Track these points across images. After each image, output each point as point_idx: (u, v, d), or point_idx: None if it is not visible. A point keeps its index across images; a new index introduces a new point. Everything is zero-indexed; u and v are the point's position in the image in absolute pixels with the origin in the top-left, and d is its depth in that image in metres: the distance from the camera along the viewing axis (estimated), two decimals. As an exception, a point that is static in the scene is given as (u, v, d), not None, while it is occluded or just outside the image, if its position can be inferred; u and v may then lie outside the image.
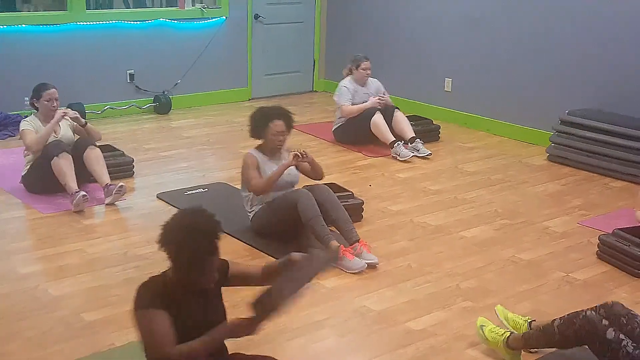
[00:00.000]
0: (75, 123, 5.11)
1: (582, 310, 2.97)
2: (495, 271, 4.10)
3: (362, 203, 4.75)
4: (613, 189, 5.52)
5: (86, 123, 5.14)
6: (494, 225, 4.76)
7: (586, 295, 3.81)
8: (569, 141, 5.97)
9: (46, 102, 4.98)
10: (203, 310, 2.57)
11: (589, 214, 4.97)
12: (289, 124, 4.35)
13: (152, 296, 2.51)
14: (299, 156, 4.23)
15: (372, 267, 4.04)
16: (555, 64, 6.39)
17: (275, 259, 4.07)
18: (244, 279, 2.73)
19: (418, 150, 6.11)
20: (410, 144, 6.16)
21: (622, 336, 2.85)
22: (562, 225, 4.77)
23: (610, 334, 2.85)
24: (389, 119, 6.29)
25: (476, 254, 4.30)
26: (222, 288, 2.67)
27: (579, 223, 4.81)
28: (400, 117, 6.35)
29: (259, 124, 4.32)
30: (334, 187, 4.66)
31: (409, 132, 6.25)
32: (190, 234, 2.45)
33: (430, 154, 6.12)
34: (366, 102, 6.36)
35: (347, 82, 6.45)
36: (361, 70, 6.41)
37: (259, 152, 4.36)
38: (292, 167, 4.34)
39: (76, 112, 5.13)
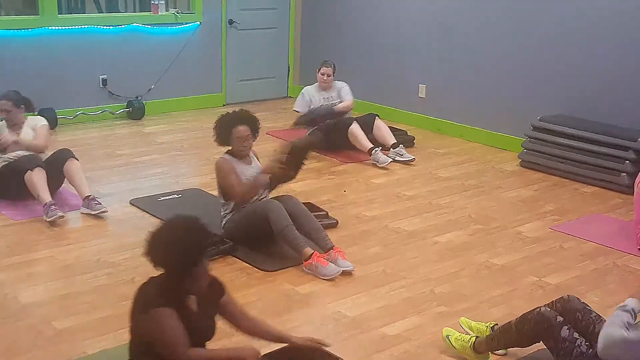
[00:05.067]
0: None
1: (537, 307, 3.00)
2: (469, 276, 4.12)
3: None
4: (584, 194, 5.58)
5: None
6: (468, 230, 4.78)
7: (558, 300, 3.84)
8: (541, 147, 6.03)
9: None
10: (196, 318, 2.58)
11: (561, 219, 5.02)
12: (254, 128, 4.36)
13: (162, 295, 2.48)
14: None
15: (347, 273, 4.04)
16: (528, 70, 6.46)
17: (258, 268, 4.09)
18: (231, 315, 2.73)
19: (402, 155, 6.12)
20: (393, 149, 6.17)
21: (576, 335, 2.88)
22: (534, 230, 4.81)
23: (565, 332, 2.88)
24: (369, 126, 6.30)
25: (450, 259, 4.32)
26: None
27: (551, 228, 4.85)
28: (380, 125, 6.37)
29: (223, 130, 4.33)
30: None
31: (390, 139, 6.26)
32: (179, 242, 2.47)
33: (414, 158, 6.12)
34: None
35: (308, 88, 6.50)
36: (320, 75, 6.44)
37: (230, 156, 4.36)
38: (259, 166, 4.43)
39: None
